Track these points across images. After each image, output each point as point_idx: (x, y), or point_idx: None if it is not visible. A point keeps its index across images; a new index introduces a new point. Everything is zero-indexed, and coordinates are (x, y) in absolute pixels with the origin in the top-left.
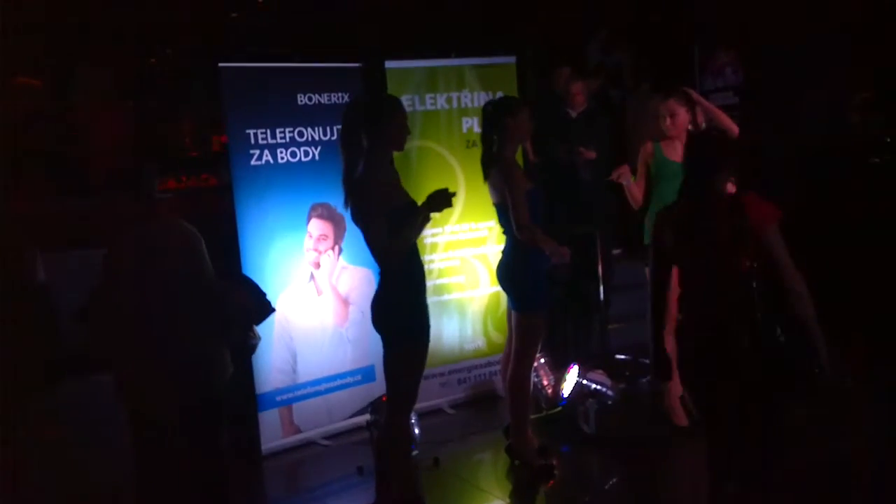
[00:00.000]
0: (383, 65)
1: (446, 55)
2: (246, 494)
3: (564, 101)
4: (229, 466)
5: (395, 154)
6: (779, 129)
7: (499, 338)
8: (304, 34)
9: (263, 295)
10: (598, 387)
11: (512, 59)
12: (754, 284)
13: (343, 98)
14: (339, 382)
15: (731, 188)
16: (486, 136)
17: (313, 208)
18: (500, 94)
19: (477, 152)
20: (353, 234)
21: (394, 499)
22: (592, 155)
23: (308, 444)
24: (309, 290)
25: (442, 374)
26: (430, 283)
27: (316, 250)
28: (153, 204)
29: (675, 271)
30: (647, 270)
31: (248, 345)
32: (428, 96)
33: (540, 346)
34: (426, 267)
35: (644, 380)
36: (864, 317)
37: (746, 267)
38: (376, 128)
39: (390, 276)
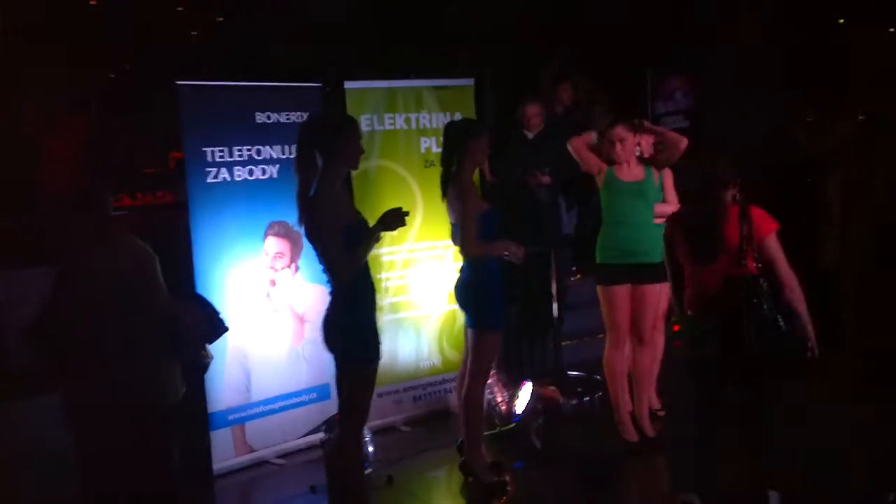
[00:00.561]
0: (342, 84)
1: (405, 76)
2: None
3: (521, 122)
4: (180, 486)
5: (355, 173)
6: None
7: (454, 355)
8: (261, 54)
9: (217, 314)
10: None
11: (470, 82)
12: (762, 282)
13: (302, 117)
14: (294, 401)
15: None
16: (446, 157)
17: (270, 226)
18: (458, 116)
19: (435, 172)
20: (312, 251)
21: None
22: (547, 180)
23: (261, 463)
24: (265, 308)
25: (397, 392)
26: (386, 301)
27: (272, 268)
28: (107, 221)
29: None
30: (598, 288)
31: (200, 364)
32: (387, 116)
33: (494, 363)
34: (384, 284)
35: (597, 395)
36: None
37: (754, 268)
38: (331, 146)
39: (341, 293)
